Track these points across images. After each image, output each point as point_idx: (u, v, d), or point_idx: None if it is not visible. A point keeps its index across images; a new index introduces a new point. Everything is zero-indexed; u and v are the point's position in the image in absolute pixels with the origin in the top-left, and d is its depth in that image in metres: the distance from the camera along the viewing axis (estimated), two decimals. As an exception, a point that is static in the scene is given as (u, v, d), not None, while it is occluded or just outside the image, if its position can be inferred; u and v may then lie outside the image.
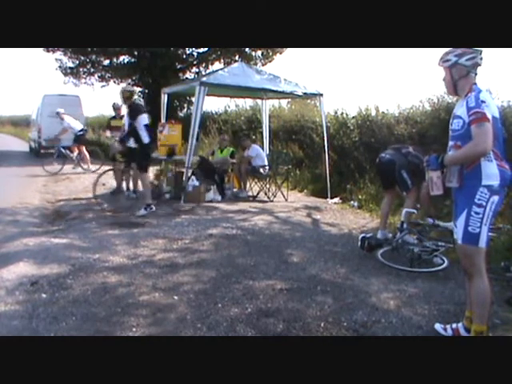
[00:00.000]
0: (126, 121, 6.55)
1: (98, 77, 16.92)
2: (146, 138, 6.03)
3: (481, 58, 2.59)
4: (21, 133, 28.16)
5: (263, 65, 15.90)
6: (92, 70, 16.64)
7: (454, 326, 2.81)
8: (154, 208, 6.13)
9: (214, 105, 31.53)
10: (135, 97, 6.48)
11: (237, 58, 14.68)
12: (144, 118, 6.09)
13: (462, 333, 2.74)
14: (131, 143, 6.09)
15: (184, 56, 16.43)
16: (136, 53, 15.83)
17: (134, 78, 16.54)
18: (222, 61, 16.01)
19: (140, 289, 3.46)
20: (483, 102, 2.43)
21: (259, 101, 9.96)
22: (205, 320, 2.95)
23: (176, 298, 3.33)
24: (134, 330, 2.80)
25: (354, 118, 9.10)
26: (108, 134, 9.56)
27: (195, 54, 16.43)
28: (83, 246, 4.51)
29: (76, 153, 11.38)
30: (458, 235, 2.56)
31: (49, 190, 8.33)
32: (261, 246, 4.74)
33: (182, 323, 2.91)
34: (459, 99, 2.70)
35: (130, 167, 6.66)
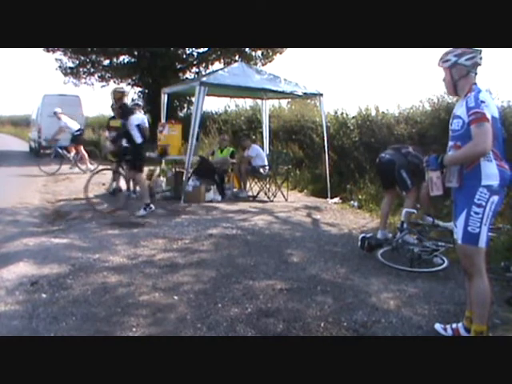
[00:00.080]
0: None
1: (98, 77, 16.90)
2: (138, 139, 6.02)
3: (480, 58, 2.59)
4: (21, 133, 28.16)
5: (263, 65, 15.89)
6: (92, 70, 16.62)
7: (454, 325, 2.82)
8: (153, 208, 6.13)
9: (214, 105, 31.65)
10: (128, 97, 6.48)
11: (237, 58, 14.67)
12: (136, 119, 6.09)
13: (462, 333, 2.74)
14: (124, 143, 6.09)
15: (184, 56, 16.42)
16: (136, 53, 15.82)
17: (134, 77, 16.56)
18: (222, 61, 16.00)
19: (140, 289, 3.47)
20: (483, 102, 2.43)
21: (259, 101, 9.96)
22: (205, 320, 2.95)
23: (176, 297, 3.33)
24: (133, 330, 2.80)
25: (353, 118, 9.10)
26: (106, 134, 9.56)
27: (195, 54, 16.42)
28: (83, 246, 4.51)
29: (73, 153, 11.36)
30: (458, 235, 2.56)
31: (49, 190, 8.33)
32: (261, 246, 4.75)
33: (181, 323, 2.91)
34: (459, 99, 2.70)
35: (121, 167, 6.64)
